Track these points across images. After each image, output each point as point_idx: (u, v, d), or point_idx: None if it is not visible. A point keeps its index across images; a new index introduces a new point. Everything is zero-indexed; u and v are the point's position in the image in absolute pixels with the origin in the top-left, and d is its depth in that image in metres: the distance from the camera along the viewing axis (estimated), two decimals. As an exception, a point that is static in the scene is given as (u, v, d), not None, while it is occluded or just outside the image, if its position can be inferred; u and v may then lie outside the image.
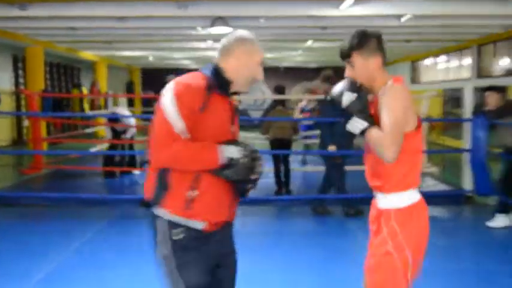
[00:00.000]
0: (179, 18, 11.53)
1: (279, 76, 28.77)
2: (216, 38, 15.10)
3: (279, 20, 11.91)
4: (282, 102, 9.72)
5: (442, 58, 20.18)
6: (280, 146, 8.67)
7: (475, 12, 10.79)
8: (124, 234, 6.47)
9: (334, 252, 5.76)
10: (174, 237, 2.48)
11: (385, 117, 2.45)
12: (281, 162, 8.73)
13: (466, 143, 8.31)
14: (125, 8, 10.27)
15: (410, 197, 2.57)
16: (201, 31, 13.08)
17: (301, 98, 12.51)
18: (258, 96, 28.57)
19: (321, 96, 16.18)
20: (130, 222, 7.17)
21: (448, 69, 19.80)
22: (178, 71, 24.83)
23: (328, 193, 7.56)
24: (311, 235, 6.67)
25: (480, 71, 16.35)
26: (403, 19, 11.73)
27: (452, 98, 15.87)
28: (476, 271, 5.03)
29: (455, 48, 17.74)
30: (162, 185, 2.46)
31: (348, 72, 2.65)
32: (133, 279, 4.84)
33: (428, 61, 21.72)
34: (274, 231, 6.90)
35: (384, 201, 2.61)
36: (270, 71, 28.72)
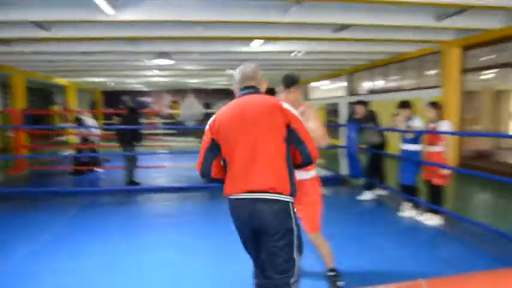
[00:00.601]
0: (132, 53, 11.19)
1: (208, 95, 28.61)
2: (159, 68, 14.83)
3: (208, 54, 11.82)
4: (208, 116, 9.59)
5: (324, 82, 20.80)
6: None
7: (348, 50, 11.21)
8: (94, 218, 6.18)
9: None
10: (294, 213, 2.52)
11: (315, 123, 3.29)
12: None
13: (342, 141, 8.62)
14: (90, 45, 9.88)
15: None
16: (147, 62, 12.76)
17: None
18: (192, 110, 28.34)
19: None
20: (97, 208, 6.88)
21: (328, 89, 20.44)
22: (131, 93, 24.30)
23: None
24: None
25: (351, 91, 17.00)
26: (292, 54, 12.02)
27: (332, 110, 16.40)
28: (350, 234, 5.14)
29: (334, 75, 18.33)
30: (293, 178, 2.50)
31: (284, 97, 3.33)
32: (103, 252, 4.65)
33: (314, 84, 22.32)
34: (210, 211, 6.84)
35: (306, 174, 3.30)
36: (201, 92, 28.50)
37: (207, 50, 10.70)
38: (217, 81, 23.04)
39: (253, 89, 2.64)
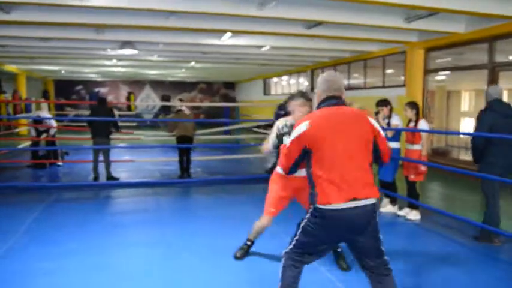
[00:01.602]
0: (95, 41, 10.69)
1: (165, 88, 28.06)
2: (120, 58, 14.33)
3: (174, 45, 11.52)
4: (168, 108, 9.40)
5: (285, 77, 20.93)
6: (185, 141, 8.41)
7: (316, 47, 11.31)
8: (64, 215, 5.85)
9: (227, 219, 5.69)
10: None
11: None
12: (184, 154, 8.52)
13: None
14: (51, 31, 9.32)
15: None
16: (110, 52, 12.29)
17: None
18: (149, 103, 27.71)
19: (198, 104, 16.08)
20: (66, 204, 6.54)
21: (289, 85, 20.58)
22: (85, 83, 23.49)
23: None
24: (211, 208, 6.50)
25: (313, 87, 17.18)
26: (263, 49, 11.99)
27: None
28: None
29: (296, 71, 18.48)
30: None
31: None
32: (81, 252, 4.39)
33: (275, 79, 22.40)
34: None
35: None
36: (158, 84, 27.90)
37: (173, 41, 10.40)
38: (177, 73, 22.60)
39: (342, 101, 2.73)
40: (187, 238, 4.88)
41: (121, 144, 11.46)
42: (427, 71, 10.36)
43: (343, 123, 2.62)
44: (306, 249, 2.73)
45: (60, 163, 9.92)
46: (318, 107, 2.73)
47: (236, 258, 4.16)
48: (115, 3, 6.69)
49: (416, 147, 5.57)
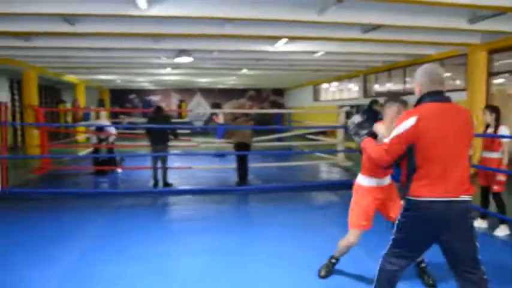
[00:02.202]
0: (151, 50, 10.95)
1: (215, 95, 28.44)
2: (174, 66, 14.63)
3: (228, 53, 11.61)
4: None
5: (335, 83, 20.63)
6: (243, 148, 8.41)
7: (371, 51, 11.03)
8: (128, 220, 5.97)
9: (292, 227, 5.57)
10: None
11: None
12: (242, 161, 8.52)
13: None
14: (110, 41, 9.65)
15: None
16: (166, 60, 12.57)
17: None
18: (200, 110, 28.17)
19: (248, 111, 16.07)
20: (129, 211, 6.68)
21: (340, 90, 20.27)
22: (138, 91, 24.14)
23: None
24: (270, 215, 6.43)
25: (366, 92, 16.82)
26: (316, 54, 11.85)
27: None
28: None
29: (347, 76, 18.13)
30: None
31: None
32: (148, 257, 4.42)
33: (325, 85, 22.14)
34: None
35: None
36: (208, 91, 28.33)
37: (228, 48, 10.47)
38: (227, 81, 22.83)
39: (447, 97, 2.67)
40: (250, 245, 4.82)
41: (178, 151, 11.62)
42: (491, 74, 9.83)
43: (451, 121, 2.60)
44: (402, 247, 2.71)
45: (119, 170, 10.20)
46: (421, 102, 2.66)
47: (320, 277, 3.85)
48: (173, 12, 6.78)
49: (496, 155, 5.17)
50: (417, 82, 2.70)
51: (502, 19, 7.69)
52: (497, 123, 5.17)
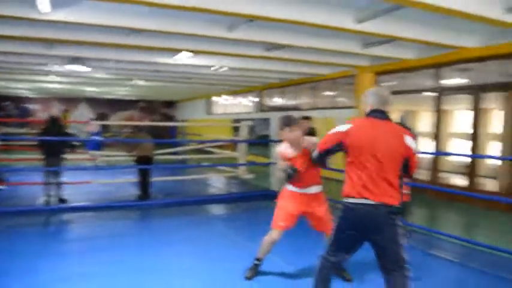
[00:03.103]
0: (43, 57, 10.10)
1: (102, 105, 27.08)
2: (60, 74, 13.63)
3: (125, 63, 11.21)
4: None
5: (228, 97, 21.03)
6: (145, 162, 8.15)
7: (264, 68, 11.48)
8: (13, 243, 5.40)
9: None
10: None
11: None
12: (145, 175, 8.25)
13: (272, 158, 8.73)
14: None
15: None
16: (55, 68, 11.69)
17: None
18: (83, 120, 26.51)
19: (137, 123, 15.69)
20: (15, 232, 6.04)
21: (236, 105, 20.71)
22: (14, 99, 21.95)
23: None
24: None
25: (261, 107, 17.45)
26: (217, 69, 12.01)
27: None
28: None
29: (243, 91, 18.60)
30: None
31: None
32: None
33: (218, 98, 22.43)
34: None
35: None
36: (94, 101, 26.88)
37: (127, 58, 10.14)
38: (118, 91, 21.90)
39: (386, 115, 3.06)
40: (159, 261, 4.71)
41: (73, 165, 10.81)
42: (376, 94, 10.91)
43: (381, 134, 2.95)
44: (338, 246, 3.07)
45: (3, 186, 9.16)
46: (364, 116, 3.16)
47: (247, 278, 4.13)
48: (80, 19, 6.40)
49: None
50: (366, 101, 3.13)
51: (390, 45, 8.68)
52: None
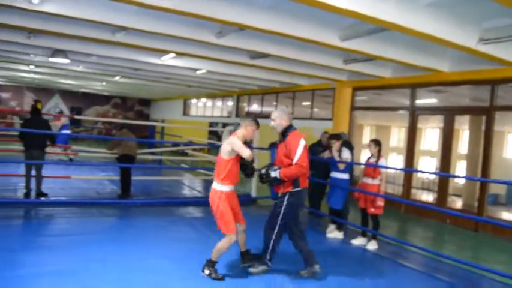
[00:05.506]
0: (23, 45, 9.96)
1: (76, 99, 26.71)
2: (38, 64, 13.44)
3: (107, 59, 11.19)
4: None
5: (205, 99, 21.15)
6: (127, 160, 8.18)
7: (245, 74, 11.71)
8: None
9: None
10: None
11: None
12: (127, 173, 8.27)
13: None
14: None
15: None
16: (38, 58, 11.58)
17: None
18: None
19: (111, 120, 15.43)
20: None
21: (208, 107, 20.85)
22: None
23: None
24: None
25: (237, 112, 17.63)
26: (198, 72, 12.15)
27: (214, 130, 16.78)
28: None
29: (221, 95, 18.76)
30: None
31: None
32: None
33: (195, 101, 22.51)
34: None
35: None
36: (69, 94, 26.48)
37: (110, 54, 10.13)
38: (94, 85, 21.67)
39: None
40: (136, 260, 4.75)
41: (55, 159, 10.67)
42: (354, 108, 11.31)
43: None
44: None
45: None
46: (289, 129, 4.48)
47: (220, 279, 4.34)
48: (70, 13, 6.43)
49: (376, 181, 5.99)
50: (282, 117, 4.48)
51: (369, 63, 9.05)
52: (379, 154, 6.04)
